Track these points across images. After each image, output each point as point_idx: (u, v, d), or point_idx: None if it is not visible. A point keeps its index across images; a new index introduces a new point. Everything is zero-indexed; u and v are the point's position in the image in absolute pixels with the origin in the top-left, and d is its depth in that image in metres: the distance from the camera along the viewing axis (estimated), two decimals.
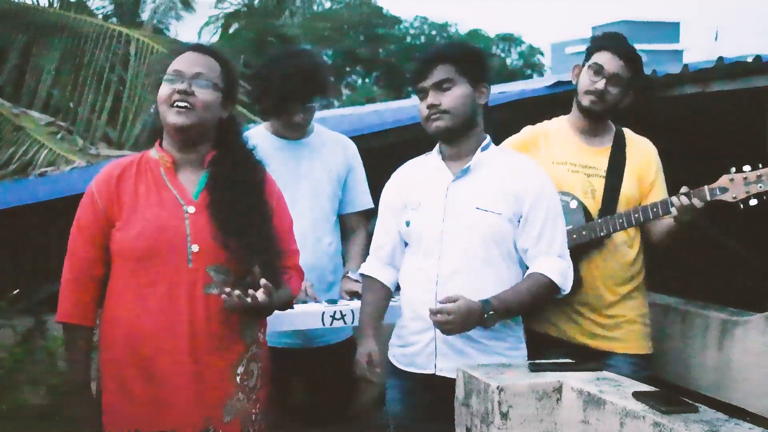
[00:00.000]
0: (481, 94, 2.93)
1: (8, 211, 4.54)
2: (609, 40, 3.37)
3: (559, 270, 2.85)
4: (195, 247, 2.59)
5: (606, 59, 3.29)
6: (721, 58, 4.04)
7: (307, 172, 3.54)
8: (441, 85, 2.88)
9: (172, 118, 2.61)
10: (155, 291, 2.58)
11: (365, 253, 3.31)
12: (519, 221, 2.88)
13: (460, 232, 2.87)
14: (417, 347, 2.93)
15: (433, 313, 2.72)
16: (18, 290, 4.31)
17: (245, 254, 2.59)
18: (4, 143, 8.98)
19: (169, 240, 2.58)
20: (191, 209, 2.63)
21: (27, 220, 4.53)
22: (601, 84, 3.28)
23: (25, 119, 9.42)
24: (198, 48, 2.75)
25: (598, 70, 3.29)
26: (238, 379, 2.67)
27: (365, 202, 3.67)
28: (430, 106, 2.89)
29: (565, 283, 2.87)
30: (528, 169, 2.97)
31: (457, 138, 2.93)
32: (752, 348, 3.47)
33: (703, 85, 4.19)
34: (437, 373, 2.87)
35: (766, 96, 3.97)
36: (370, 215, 3.61)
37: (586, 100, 3.31)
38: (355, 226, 3.66)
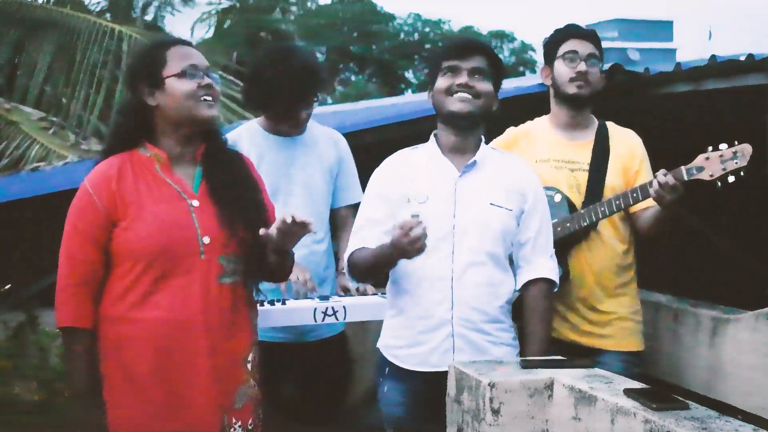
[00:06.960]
0: (496, 101, 2.95)
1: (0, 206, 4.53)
2: (569, 29, 3.40)
3: (555, 270, 2.95)
4: (206, 239, 2.62)
5: (576, 44, 3.32)
6: (713, 57, 4.04)
7: (302, 168, 3.53)
8: (476, 72, 2.86)
9: (206, 111, 2.64)
10: (169, 285, 2.59)
11: None
12: (520, 218, 2.91)
13: (472, 227, 2.85)
14: (429, 345, 2.85)
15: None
16: (9, 285, 4.31)
17: (252, 239, 2.64)
18: None
19: (182, 235, 2.60)
20: (195, 203, 2.65)
21: (18, 216, 4.51)
22: (582, 66, 3.29)
23: (17, 114, 9.39)
24: (187, 42, 2.76)
25: (573, 56, 3.31)
26: (249, 366, 2.72)
27: (356, 195, 3.64)
28: (462, 85, 2.85)
29: (557, 282, 2.98)
30: (525, 167, 3.05)
31: (470, 129, 2.91)
32: (743, 346, 3.48)
33: (696, 84, 4.19)
34: None
35: (758, 94, 3.98)
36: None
37: (571, 88, 3.30)
38: (346, 219, 3.65)
